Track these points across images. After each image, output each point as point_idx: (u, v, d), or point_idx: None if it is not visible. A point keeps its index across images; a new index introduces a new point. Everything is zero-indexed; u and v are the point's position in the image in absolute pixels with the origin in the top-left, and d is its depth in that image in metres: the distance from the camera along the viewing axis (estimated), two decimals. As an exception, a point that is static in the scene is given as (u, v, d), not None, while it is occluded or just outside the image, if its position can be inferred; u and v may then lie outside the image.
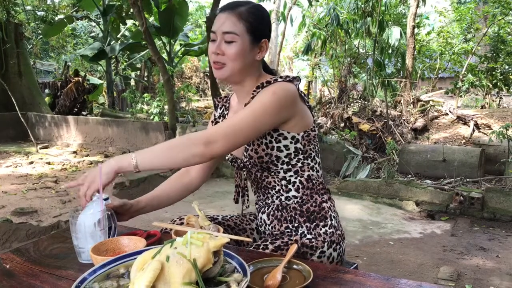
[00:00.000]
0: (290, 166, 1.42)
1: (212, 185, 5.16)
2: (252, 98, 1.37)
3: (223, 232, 1.28)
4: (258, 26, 1.37)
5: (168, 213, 4.03)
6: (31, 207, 3.77)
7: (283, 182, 1.44)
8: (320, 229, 1.43)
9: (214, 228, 1.29)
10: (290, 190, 1.44)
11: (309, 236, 1.40)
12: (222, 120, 1.57)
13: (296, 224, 1.43)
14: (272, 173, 1.44)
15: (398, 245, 3.34)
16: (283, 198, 1.46)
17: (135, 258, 0.98)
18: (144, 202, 1.47)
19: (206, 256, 0.91)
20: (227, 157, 1.54)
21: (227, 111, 1.56)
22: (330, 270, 1.15)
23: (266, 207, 1.50)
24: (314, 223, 1.43)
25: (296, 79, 1.40)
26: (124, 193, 4.19)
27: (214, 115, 1.61)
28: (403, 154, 5.68)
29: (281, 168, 1.42)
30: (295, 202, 1.44)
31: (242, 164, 1.47)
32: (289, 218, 1.44)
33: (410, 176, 5.32)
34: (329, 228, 1.44)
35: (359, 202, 4.38)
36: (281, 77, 1.40)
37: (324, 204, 1.46)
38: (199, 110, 10.61)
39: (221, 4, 6.03)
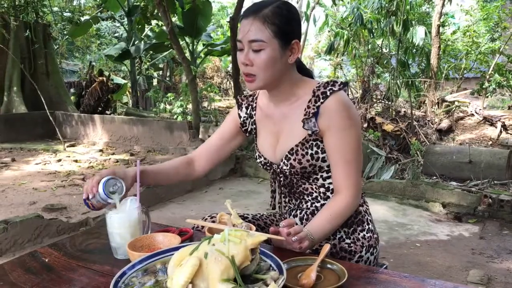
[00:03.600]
0: (329, 174, 1.39)
1: (236, 184, 5.18)
2: (307, 113, 1.32)
3: (256, 231, 1.29)
4: (287, 27, 1.27)
5: (193, 211, 4.07)
6: (61, 203, 3.86)
7: (322, 190, 1.42)
8: (358, 234, 1.42)
9: (247, 226, 1.29)
10: (328, 197, 1.42)
11: (347, 241, 1.40)
12: (249, 122, 1.52)
13: None
14: (311, 180, 1.42)
15: (425, 247, 3.29)
16: (319, 204, 1.44)
17: (172, 254, 1.00)
18: (146, 173, 1.44)
19: (244, 254, 0.91)
20: (258, 161, 1.52)
21: (254, 111, 1.51)
22: (364, 270, 1.15)
23: (299, 211, 1.48)
24: (352, 228, 1.42)
25: (345, 84, 1.35)
26: (150, 192, 4.25)
27: (239, 114, 1.54)
28: (427, 155, 5.59)
29: (321, 176, 1.40)
30: None
31: (278, 170, 1.44)
32: None
33: (435, 177, 5.23)
34: (366, 233, 1.43)
35: (385, 203, 4.34)
36: (331, 83, 1.34)
37: (360, 208, 1.45)
38: (221, 109, 10.65)
39: (245, 5, 6.06)
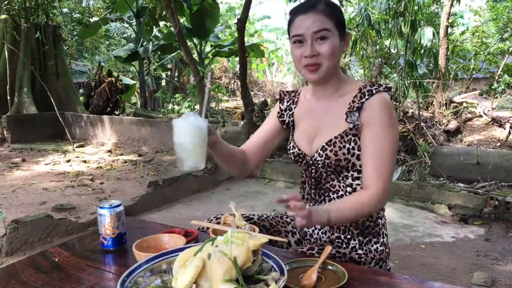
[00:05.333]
0: (360, 175, 1.40)
1: (243, 185, 5.21)
2: (351, 107, 1.37)
3: (259, 233, 1.32)
4: (342, 20, 1.38)
5: (200, 212, 4.11)
6: (70, 203, 3.91)
7: (348, 189, 1.43)
8: (372, 246, 1.43)
9: (250, 228, 1.32)
10: None
11: (359, 252, 1.41)
12: (287, 114, 1.56)
13: (349, 236, 1.43)
14: (340, 178, 1.43)
15: (430, 249, 3.30)
16: None
17: (177, 255, 1.03)
18: (220, 142, 1.43)
19: (246, 255, 0.95)
20: (292, 151, 1.53)
21: (294, 105, 1.55)
22: (364, 271, 1.18)
23: None
24: (367, 238, 1.44)
25: (389, 88, 1.40)
26: (157, 192, 4.30)
27: (280, 107, 1.59)
28: (435, 156, 5.57)
29: (351, 175, 1.42)
30: None
31: (311, 161, 1.46)
32: (343, 227, 1.44)
33: (442, 179, 5.22)
34: (380, 246, 1.44)
35: (390, 205, 4.34)
36: (377, 84, 1.39)
37: (379, 221, 1.46)
38: (228, 110, 10.69)
39: (252, 6, 6.08)
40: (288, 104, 1.58)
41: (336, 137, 1.38)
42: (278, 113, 1.59)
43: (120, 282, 0.97)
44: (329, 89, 1.43)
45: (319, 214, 1.25)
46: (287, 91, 1.62)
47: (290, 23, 1.39)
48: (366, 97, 1.36)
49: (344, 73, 1.49)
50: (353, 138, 1.37)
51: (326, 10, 1.33)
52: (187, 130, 1.20)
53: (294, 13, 1.37)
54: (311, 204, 1.51)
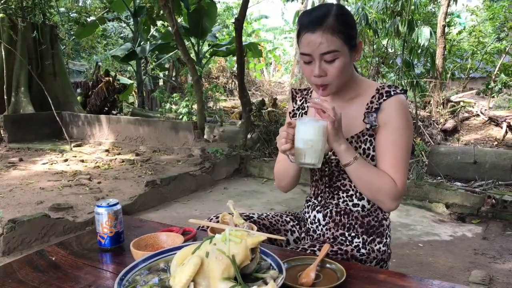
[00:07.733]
0: None
1: (240, 184, 5.21)
2: (370, 107, 1.37)
3: (258, 231, 1.32)
4: (352, 32, 1.30)
5: (198, 211, 4.10)
6: (67, 203, 3.90)
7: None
8: (375, 245, 1.44)
9: (248, 226, 1.32)
10: (363, 198, 1.44)
11: (362, 251, 1.41)
12: (300, 113, 1.54)
13: (353, 234, 1.44)
14: None
15: (427, 248, 3.30)
16: (350, 204, 1.45)
17: (175, 253, 1.03)
18: None
19: (244, 253, 0.94)
20: None
21: (307, 104, 1.55)
22: (363, 269, 1.17)
23: (323, 208, 1.50)
24: (371, 237, 1.44)
25: (405, 91, 1.40)
26: (155, 191, 4.29)
27: (293, 106, 1.58)
28: (432, 155, 5.58)
29: None
30: (360, 211, 1.44)
31: (325, 160, 1.45)
32: (348, 225, 1.44)
33: (439, 178, 5.23)
34: (382, 246, 1.45)
35: (388, 204, 4.34)
36: (393, 86, 1.39)
37: (384, 222, 1.47)
38: (226, 109, 10.69)
39: (250, 6, 6.06)
40: (301, 103, 1.56)
41: (352, 137, 1.39)
42: (290, 113, 1.58)
43: (117, 280, 0.96)
44: (342, 92, 1.42)
45: (348, 145, 1.29)
46: (299, 89, 1.61)
47: (298, 36, 1.33)
48: (384, 98, 1.37)
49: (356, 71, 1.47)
50: (369, 139, 1.38)
51: (334, 26, 1.25)
52: (318, 130, 1.22)
53: (302, 27, 1.30)
54: (321, 200, 1.51)
